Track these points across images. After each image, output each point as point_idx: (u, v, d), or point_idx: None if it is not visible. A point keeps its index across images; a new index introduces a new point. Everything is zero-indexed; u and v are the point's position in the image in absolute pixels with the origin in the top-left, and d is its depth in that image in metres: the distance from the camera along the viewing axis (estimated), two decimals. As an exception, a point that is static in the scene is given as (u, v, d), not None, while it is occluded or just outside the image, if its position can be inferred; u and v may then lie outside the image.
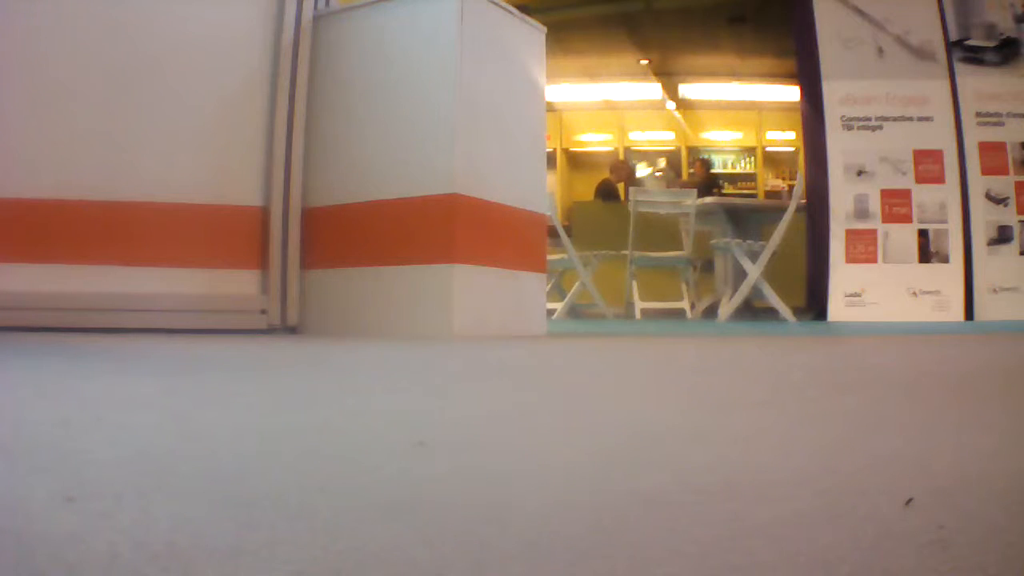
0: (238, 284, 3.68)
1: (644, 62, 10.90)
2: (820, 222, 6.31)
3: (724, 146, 12.14)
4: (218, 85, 3.71)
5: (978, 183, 6.04)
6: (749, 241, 5.99)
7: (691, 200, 6.61)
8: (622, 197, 8.86)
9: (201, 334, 3.37)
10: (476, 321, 3.50)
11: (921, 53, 6.20)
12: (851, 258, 6.13)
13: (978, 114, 6.09)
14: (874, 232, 6.13)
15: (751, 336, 4.24)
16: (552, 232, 5.57)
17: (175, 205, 3.56)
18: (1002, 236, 6.01)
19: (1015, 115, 6.06)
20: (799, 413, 1.20)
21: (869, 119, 6.21)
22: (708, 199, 7.04)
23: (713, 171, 10.41)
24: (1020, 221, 6.00)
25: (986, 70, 6.12)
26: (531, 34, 3.98)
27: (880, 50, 6.24)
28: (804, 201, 6.27)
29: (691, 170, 10.45)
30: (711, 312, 6.75)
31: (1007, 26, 6.14)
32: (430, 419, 1.14)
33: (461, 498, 0.65)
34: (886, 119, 6.19)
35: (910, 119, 6.17)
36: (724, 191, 10.40)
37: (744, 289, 5.90)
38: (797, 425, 1.08)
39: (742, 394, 1.50)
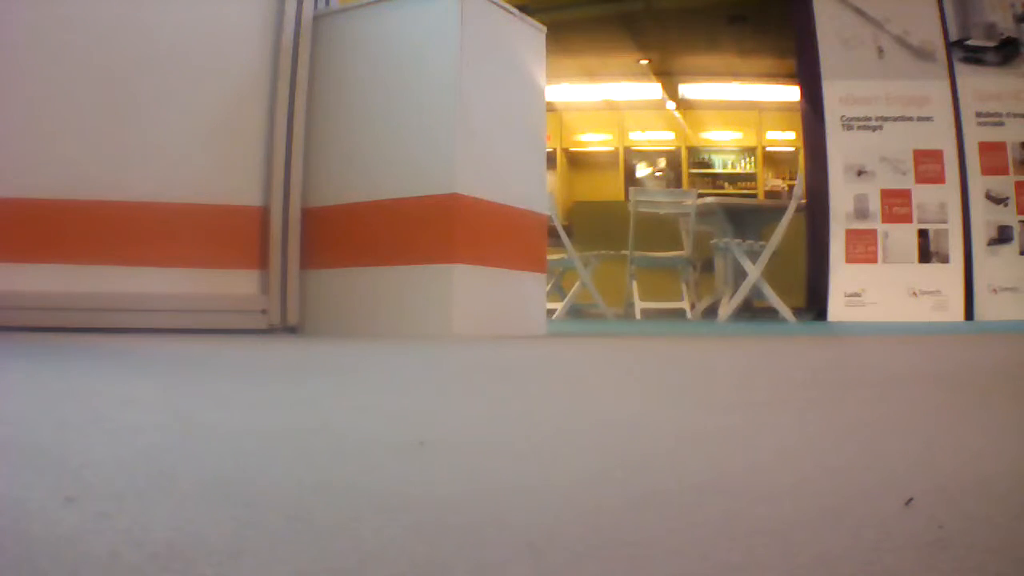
0: (238, 284, 3.68)
1: (644, 62, 10.88)
2: (820, 222, 6.31)
3: (724, 146, 12.13)
4: (218, 85, 3.70)
5: (978, 183, 6.04)
6: (749, 241, 5.99)
7: (691, 200, 6.61)
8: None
9: (201, 334, 3.37)
10: (476, 321, 3.50)
11: (921, 53, 6.19)
12: (851, 258, 6.12)
13: (978, 114, 6.09)
14: (874, 232, 6.12)
15: (751, 336, 4.23)
16: (552, 232, 5.56)
17: (175, 205, 3.56)
18: (1002, 236, 6.01)
19: (1015, 115, 6.05)
20: (799, 413, 1.20)
21: (869, 119, 6.21)
22: (709, 199, 7.04)
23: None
24: (1020, 221, 6.00)
25: (986, 70, 6.12)
26: (531, 34, 3.98)
27: (880, 50, 6.24)
28: (804, 201, 6.26)
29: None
30: (711, 312, 6.75)
31: (1007, 26, 6.14)
32: (430, 419, 1.14)
33: (461, 498, 0.65)
34: (886, 119, 6.19)
35: (910, 119, 6.16)
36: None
37: (744, 289, 5.89)
38: (797, 425, 1.08)
39: (742, 394, 1.50)
